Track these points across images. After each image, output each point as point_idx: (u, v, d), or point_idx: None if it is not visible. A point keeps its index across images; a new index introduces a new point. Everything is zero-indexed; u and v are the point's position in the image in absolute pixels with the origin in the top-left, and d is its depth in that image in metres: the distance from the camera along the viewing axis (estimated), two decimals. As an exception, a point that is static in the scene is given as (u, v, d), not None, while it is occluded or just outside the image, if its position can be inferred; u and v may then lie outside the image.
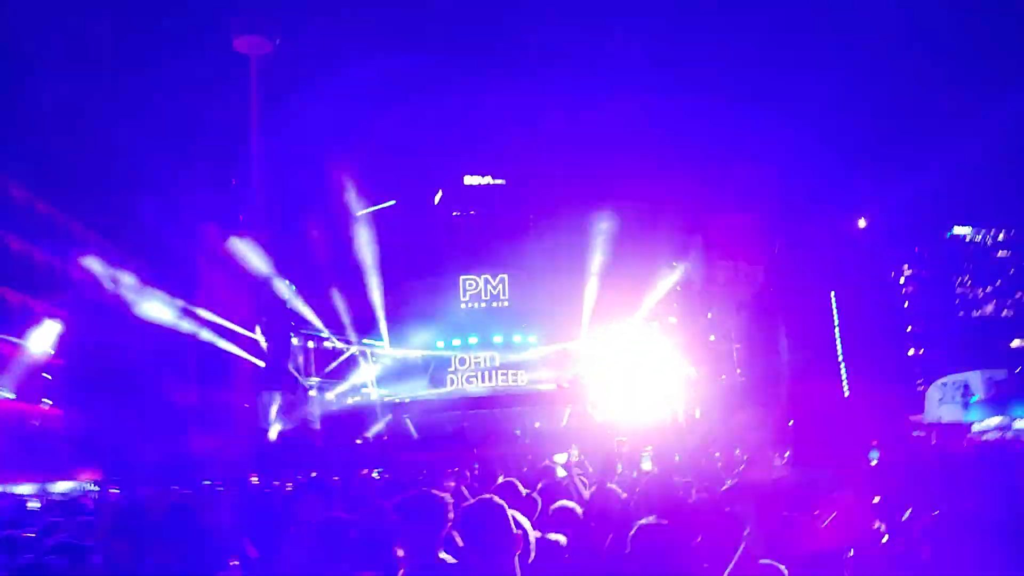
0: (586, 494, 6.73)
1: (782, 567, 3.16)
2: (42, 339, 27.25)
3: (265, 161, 31.17)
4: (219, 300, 28.85)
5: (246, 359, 28.67)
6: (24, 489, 22.61)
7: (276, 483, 14.55)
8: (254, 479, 18.62)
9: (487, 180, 39.59)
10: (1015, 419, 30.03)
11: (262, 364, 29.38)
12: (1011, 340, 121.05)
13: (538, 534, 4.04)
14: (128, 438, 28.65)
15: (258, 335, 29.21)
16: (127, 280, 30.15)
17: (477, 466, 15.11)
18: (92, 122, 26.43)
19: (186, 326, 27.54)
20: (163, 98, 29.27)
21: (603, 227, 31.49)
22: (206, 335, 27.70)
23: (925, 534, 3.78)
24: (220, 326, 28.36)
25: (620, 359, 34.78)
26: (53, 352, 27.40)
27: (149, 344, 27.77)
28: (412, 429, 32.16)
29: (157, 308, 27.11)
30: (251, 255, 29.83)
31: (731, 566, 3.51)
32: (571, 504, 5.20)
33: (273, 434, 30.24)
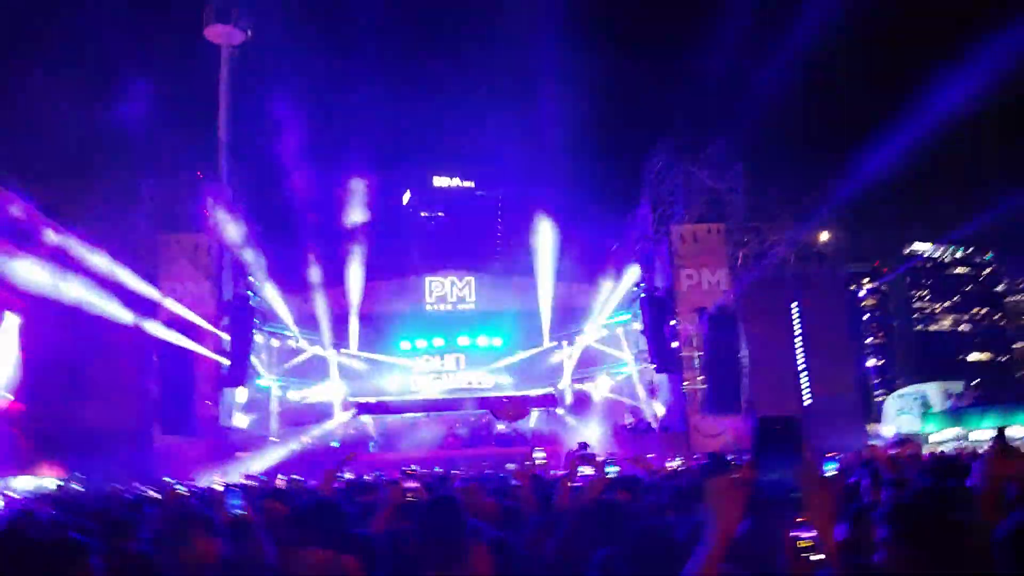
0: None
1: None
2: (3, 333, 26.75)
3: (232, 153, 30.92)
4: (183, 296, 28.51)
5: (210, 356, 28.32)
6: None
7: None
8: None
9: (456, 182, 39.58)
10: (971, 430, 30.80)
11: (226, 362, 29.03)
12: (968, 354, 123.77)
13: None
14: (91, 435, 28.20)
15: (222, 332, 28.88)
16: (90, 273, 29.68)
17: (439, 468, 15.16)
18: (51, 107, 25.95)
19: (149, 325, 27.16)
20: (133, 85, 28.87)
21: (549, 232, 31.75)
22: (168, 333, 27.31)
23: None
24: (184, 322, 27.99)
25: (586, 363, 35.11)
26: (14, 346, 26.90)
27: (111, 340, 27.33)
28: (372, 430, 32.05)
29: (118, 305, 26.69)
30: (215, 250, 29.55)
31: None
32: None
33: (236, 429, 29.94)
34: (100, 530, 4.59)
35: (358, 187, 31.72)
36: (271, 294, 31.39)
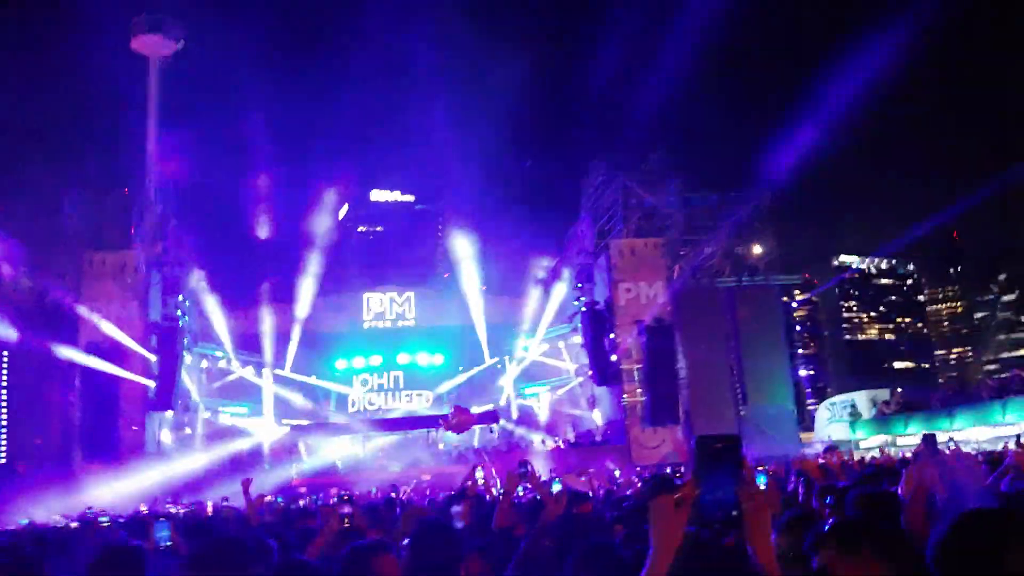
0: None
1: None
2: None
3: (161, 168, 29.98)
4: (108, 316, 27.42)
5: (134, 380, 27.27)
6: None
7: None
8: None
9: (395, 195, 39.18)
10: (897, 436, 31.67)
11: (152, 384, 28.03)
12: (893, 361, 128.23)
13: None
14: (8, 461, 26.88)
15: (148, 353, 27.87)
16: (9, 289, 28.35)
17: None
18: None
19: (68, 351, 26.07)
20: (60, 96, 27.85)
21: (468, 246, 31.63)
22: (90, 357, 26.23)
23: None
24: (109, 344, 26.92)
25: (528, 377, 35.07)
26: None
27: (31, 361, 26.19)
28: (304, 452, 31.17)
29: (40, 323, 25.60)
30: (143, 269, 28.57)
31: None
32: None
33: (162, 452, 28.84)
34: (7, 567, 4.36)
35: (292, 201, 31.18)
36: (204, 311, 30.49)
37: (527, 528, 4.77)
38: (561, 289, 32.63)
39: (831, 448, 23.31)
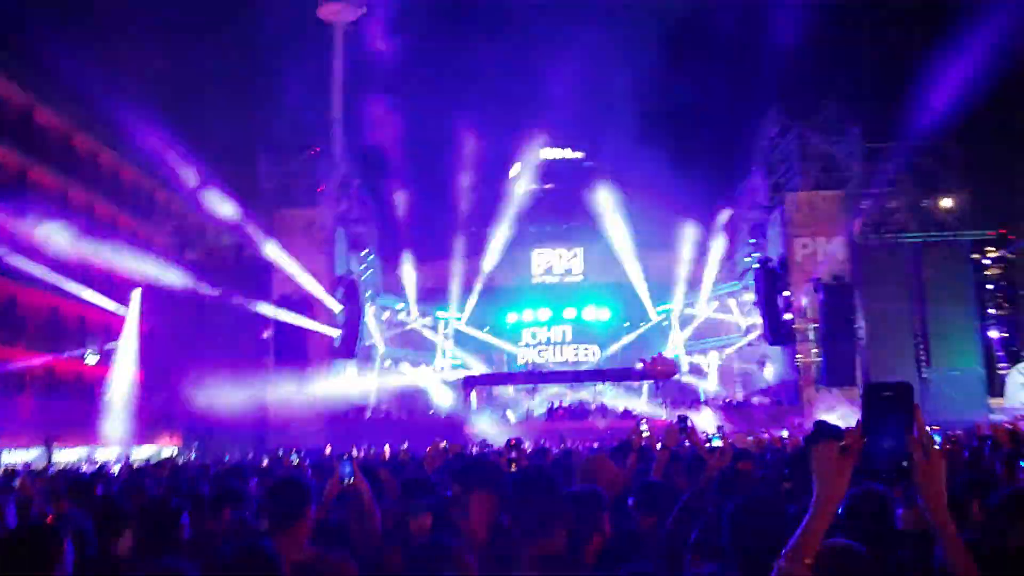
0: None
1: None
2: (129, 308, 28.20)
3: (346, 130, 31.48)
4: (297, 270, 29.40)
5: (321, 330, 29.06)
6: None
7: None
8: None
9: (565, 153, 39.25)
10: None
11: (336, 334, 29.77)
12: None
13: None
14: (209, 408, 29.58)
15: (333, 304, 29.61)
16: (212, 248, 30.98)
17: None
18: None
19: (263, 306, 28.16)
20: (250, 61, 29.67)
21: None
22: (281, 311, 28.16)
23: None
24: (298, 297, 28.84)
25: (697, 335, 34.58)
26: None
27: (229, 315, 28.41)
28: (473, 403, 32.22)
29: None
30: (329, 225, 30.37)
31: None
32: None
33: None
34: (200, 500, 4.83)
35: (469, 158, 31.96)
36: (382, 266, 32.03)
37: (688, 482, 4.81)
38: (734, 245, 31.68)
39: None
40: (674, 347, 33.85)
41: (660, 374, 28.54)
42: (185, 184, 28.26)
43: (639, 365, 29.01)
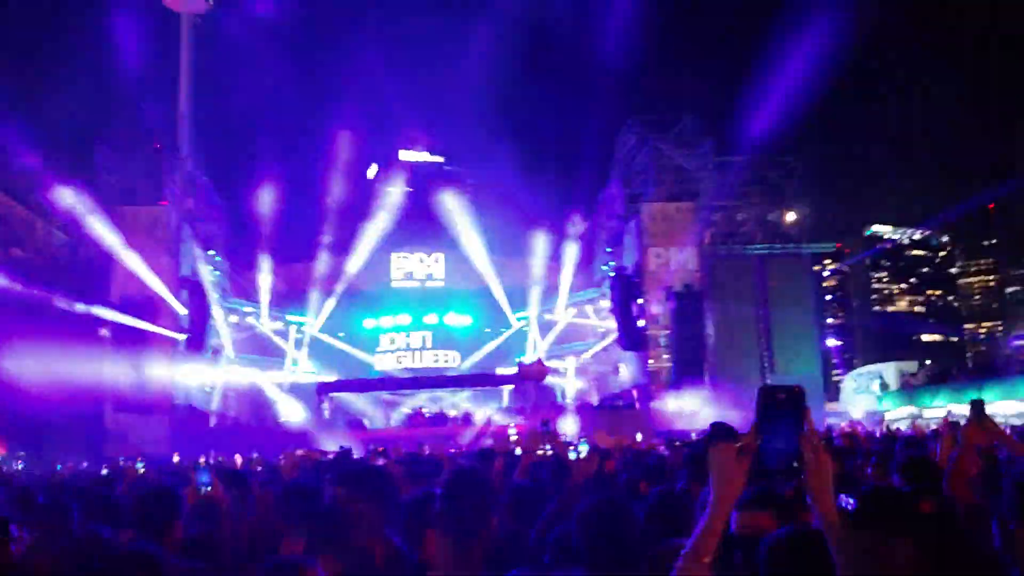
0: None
1: None
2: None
3: (193, 126, 30.05)
4: (139, 270, 27.70)
5: (164, 334, 27.60)
6: None
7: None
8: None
9: (424, 156, 38.97)
10: (924, 408, 31.36)
11: (182, 338, 28.35)
12: (921, 334, 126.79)
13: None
14: (39, 413, 27.48)
15: (178, 307, 28.13)
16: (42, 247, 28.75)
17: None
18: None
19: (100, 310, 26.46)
20: (91, 48, 27.84)
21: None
22: (120, 314, 26.57)
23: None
24: (139, 299, 27.23)
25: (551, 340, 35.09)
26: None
27: (62, 316, 26.56)
28: (326, 411, 31.36)
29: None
30: (174, 224, 28.78)
31: None
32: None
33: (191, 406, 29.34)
34: (32, 512, 4.36)
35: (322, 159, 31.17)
36: (232, 268, 30.71)
37: (554, 486, 4.76)
38: (591, 253, 32.31)
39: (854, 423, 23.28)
40: (536, 353, 34.13)
41: (534, 374, 28.93)
42: (14, 175, 26.00)
43: (513, 370, 29.12)
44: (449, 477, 3.22)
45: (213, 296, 29.73)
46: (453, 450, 17.81)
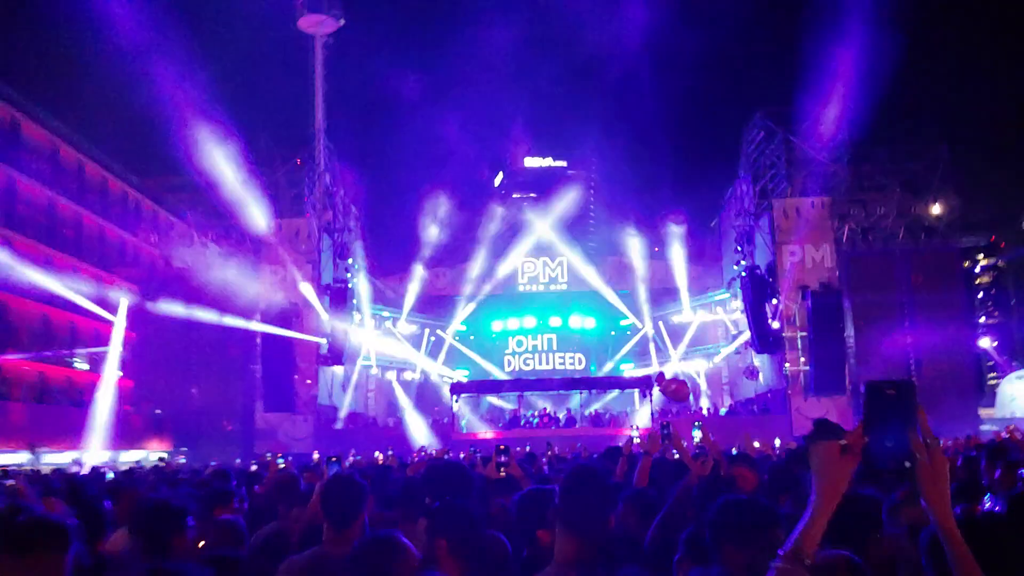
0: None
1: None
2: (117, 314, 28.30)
3: (330, 140, 31.50)
4: (285, 279, 29.36)
5: (308, 339, 29.08)
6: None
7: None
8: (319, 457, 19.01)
9: (547, 161, 39.26)
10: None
11: (324, 341, 29.67)
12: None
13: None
14: (198, 413, 29.79)
15: (321, 311, 29.51)
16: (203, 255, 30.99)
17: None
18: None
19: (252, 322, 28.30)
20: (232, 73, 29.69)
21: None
22: (268, 324, 28.26)
23: None
24: (285, 306, 28.86)
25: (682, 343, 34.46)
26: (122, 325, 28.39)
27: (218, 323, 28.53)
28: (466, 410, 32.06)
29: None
30: (315, 235, 30.31)
31: None
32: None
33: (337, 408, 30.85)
34: (197, 499, 4.80)
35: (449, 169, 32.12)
36: (370, 274, 32.06)
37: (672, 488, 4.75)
38: (720, 252, 31.61)
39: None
40: (670, 360, 33.66)
41: (674, 395, 28.36)
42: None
43: (654, 382, 28.86)
44: (568, 473, 3.20)
45: (352, 301, 31.05)
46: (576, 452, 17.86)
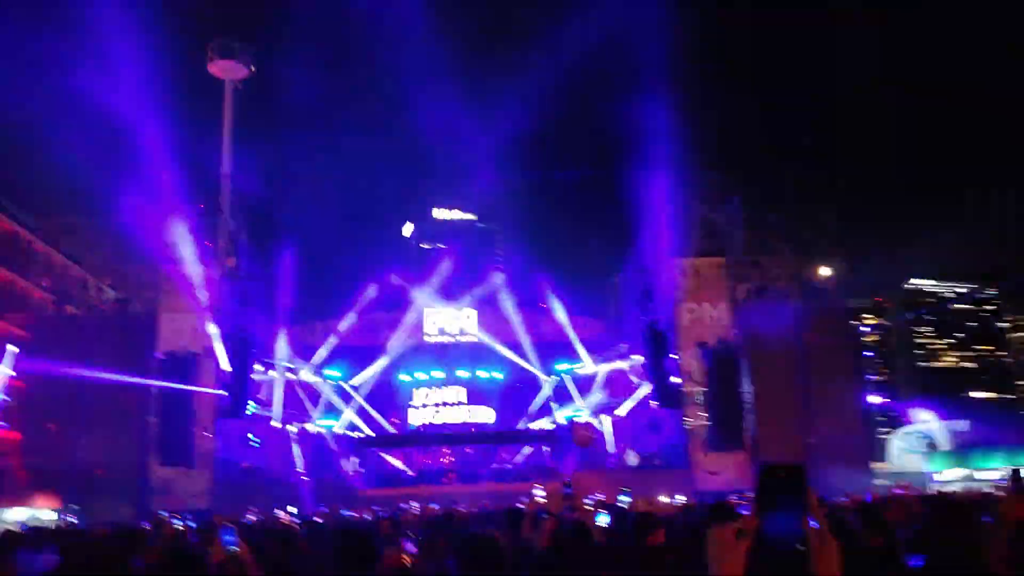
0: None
1: None
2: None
3: (235, 188, 31.03)
4: (182, 328, 28.39)
5: (206, 391, 28.09)
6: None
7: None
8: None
9: (456, 214, 39.62)
10: (977, 470, 30.34)
11: (224, 393, 28.73)
12: (971, 390, 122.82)
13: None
14: (88, 467, 28.10)
15: (223, 360, 28.61)
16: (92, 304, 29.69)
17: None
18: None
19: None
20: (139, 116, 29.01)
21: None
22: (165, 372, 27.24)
23: None
24: (183, 356, 27.91)
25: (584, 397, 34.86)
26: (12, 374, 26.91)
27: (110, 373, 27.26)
28: (354, 466, 31.51)
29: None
30: (216, 283, 29.52)
31: None
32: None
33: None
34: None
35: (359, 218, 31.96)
36: (273, 327, 31.32)
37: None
38: (620, 309, 32.27)
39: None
40: (576, 411, 33.90)
41: (580, 440, 28.53)
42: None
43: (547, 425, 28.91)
44: (462, 546, 3.12)
45: (261, 352, 30.22)
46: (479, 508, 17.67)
